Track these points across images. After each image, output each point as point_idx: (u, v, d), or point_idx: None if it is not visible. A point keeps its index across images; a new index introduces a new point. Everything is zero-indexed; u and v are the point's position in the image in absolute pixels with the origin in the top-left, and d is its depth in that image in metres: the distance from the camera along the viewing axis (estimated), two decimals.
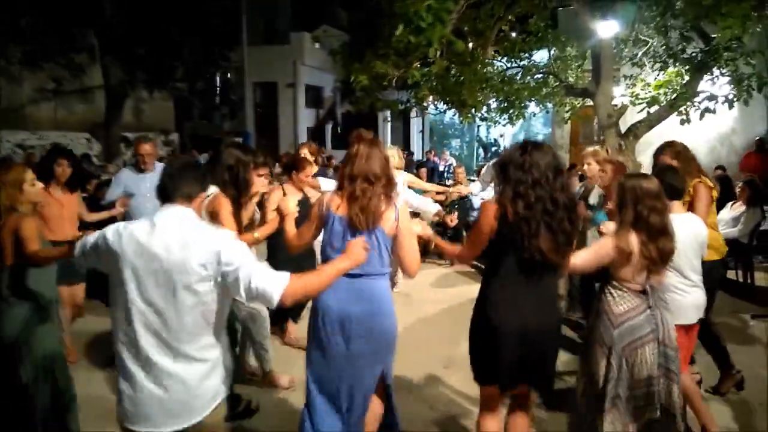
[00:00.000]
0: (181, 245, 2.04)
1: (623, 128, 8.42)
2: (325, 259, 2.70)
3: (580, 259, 2.79)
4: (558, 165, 2.64)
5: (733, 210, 6.77)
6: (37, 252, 3.00)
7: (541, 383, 2.83)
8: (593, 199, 4.93)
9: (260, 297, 2.02)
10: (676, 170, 3.36)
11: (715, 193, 3.89)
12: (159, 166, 5.28)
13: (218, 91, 19.52)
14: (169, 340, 2.08)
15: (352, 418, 2.73)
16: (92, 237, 2.25)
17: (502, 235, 2.60)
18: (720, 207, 7.06)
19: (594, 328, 2.83)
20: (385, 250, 2.70)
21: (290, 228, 2.96)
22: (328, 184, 5.07)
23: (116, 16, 12.95)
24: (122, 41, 13.32)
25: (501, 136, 23.24)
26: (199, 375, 2.13)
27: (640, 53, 8.76)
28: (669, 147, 4.10)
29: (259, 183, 3.67)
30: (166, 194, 2.18)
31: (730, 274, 6.94)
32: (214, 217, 3.12)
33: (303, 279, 2.10)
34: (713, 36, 7.67)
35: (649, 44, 8.65)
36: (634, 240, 2.69)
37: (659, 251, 2.69)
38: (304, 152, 5.53)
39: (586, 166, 5.01)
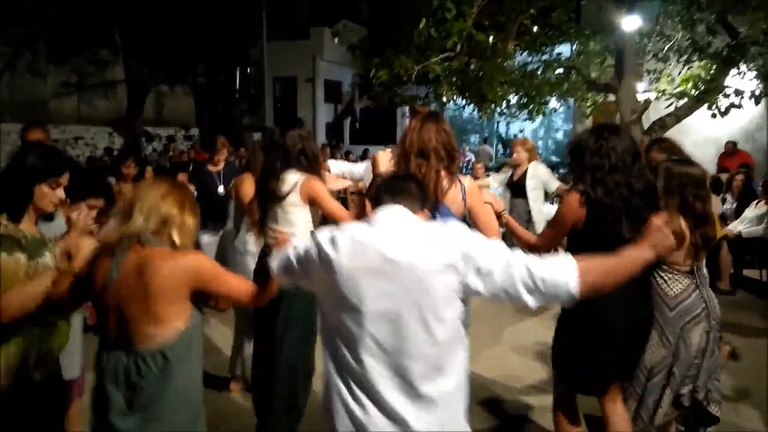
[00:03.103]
0: (416, 243, 1.63)
1: (645, 124, 8.31)
2: None
3: None
4: (636, 150, 2.54)
5: (757, 208, 6.68)
6: (257, 292, 2.05)
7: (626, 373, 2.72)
8: (532, 184, 5.57)
9: (551, 291, 1.58)
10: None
11: None
12: None
13: (238, 86, 19.63)
14: (408, 373, 1.61)
15: None
16: (295, 248, 1.85)
17: (590, 222, 2.50)
18: (744, 205, 6.97)
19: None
20: None
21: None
22: (337, 166, 5.12)
23: (138, 11, 13.08)
24: (144, 36, 13.46)
25: (521, 131, 23.07)
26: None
27: (665, 48, 8.62)
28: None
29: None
30: (388, 195, 1.79)
31: (754, 274, 6.84)
32: (314, 202, 2.99)
33: (598, 264, 1.65)
34: (740, 30, 7.53)
35: (675, 39, 8.51)
36: (683, 224, 2.70)
37: (703, 238, 2.73)
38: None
39: (515, 154, 5.74)
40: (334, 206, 2.96)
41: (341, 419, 1.65)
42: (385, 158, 2.85)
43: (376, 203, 1.80)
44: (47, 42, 12.67)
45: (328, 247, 1.67)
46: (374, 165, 2.92)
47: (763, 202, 6.63)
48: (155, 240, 1.84)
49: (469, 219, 2.57)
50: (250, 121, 19.05)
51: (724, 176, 8.09)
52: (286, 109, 19.65)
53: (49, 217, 2.41)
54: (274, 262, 1.92)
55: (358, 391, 1.64)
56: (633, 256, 1.71)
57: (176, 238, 1.87)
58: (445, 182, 2.47)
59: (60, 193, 2.17)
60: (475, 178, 9.16)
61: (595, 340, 2.55)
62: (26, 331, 2.05)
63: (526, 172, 5.67)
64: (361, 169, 5.67)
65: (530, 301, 1.60)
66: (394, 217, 1.71)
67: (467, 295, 1.64)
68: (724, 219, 7.06)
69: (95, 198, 2.80)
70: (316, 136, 18.90)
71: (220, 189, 5.11)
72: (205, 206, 4.73)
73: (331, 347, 1.71)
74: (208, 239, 4.73)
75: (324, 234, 1.72)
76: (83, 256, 2.08)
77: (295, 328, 2.98)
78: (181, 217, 1.90)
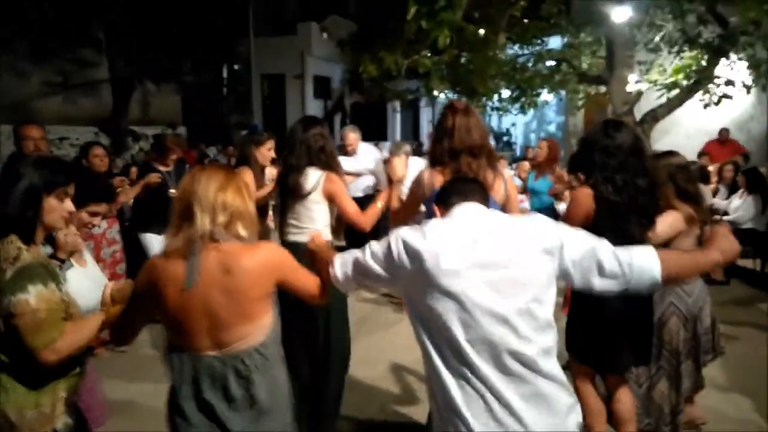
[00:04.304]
0: (511, 232, 1.65)
1: (638, 115, 8.28)
2: None
3: (657, 235, 2.79)
4: (640, 147, 2.61)
5: (741, 198, 6.73)
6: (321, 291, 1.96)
7: (644, 359, 2.82)
8: None
9: (637, 277, 1.65)
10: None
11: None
12: None
13: (225, 84, 19.41)
14: (525, 367, 1.60)
15: None
16: (367, 251, 1.79)
17: (599, 218, 2.54)
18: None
19: (662, 302, 2.98)
20: None
21: (395, 196, 2.87)
22: (348, 163, 5.10)
23: (123, 9, 12.91)
24: (128, 34, 13.28)
25: (513, 125, 23.03)
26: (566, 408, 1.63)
27: (656, 38, 8.59)
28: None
29: (261, 156, 3.97)
30: (458, 195, 1.79)
31: (747, 263, 6.83)
32: (332, 199, 3.02)
33: (674, 256, 1.75)
34: (730, 20, 7.52)
35: (665, 29, 8.48)
36: (689, 209, 2.88)
37: (705, 213, 2.94)
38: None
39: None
40: (351, 206, 3.01)
41: (473, 418, 1.57)
42: (402, 163, 2.94)
43: (444, 205, 1.80)
44: (29, 42, 12.47)
45: (420, 244, 1.64)
46: (391, 172, 2.94)
47: (746, 191, 6.69)
48: (227, 235, 1.72)
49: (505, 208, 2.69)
50: (238, 119, 18.87)
51: (712, 168, 8.07)
52: (275, 106, 19.50)
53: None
54: (338, 268, 1.87)
55: (476, 387, 1.58)
56: (704, 256, 1.76)
57: (242, 231, 1.75)
58: (490, 177, 2.55)
59: (69, 204, 1.90)
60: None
61: (612, 323, 2.63)
62: (69, 373, 1.89)
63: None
64: (367, 164, 5.60)
65: (615, 286, 1.66)
66: (475, 212, 1.73)
67: (560, 279, 1.67)
68: (715, 212, 7.08)
69: (97, 203, 2.61)
70: None
71: (173, 190, 4.80)
72: (155, 208, 4.48)
73: (435, 347, 1.64)
74: (158, 241, 4.53)
75: (409, 232, 1.69)
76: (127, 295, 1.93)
77: (336, 319, 3.04)
78: (244, 206, 1.77)
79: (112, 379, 3.99)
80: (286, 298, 1.96)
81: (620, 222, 2.52)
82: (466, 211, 1.73)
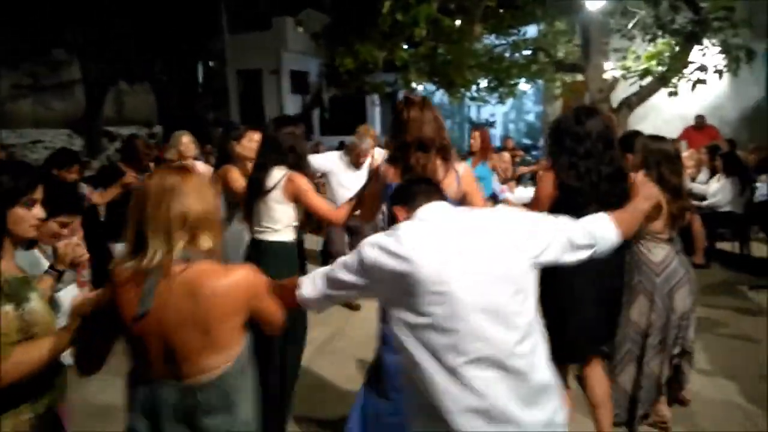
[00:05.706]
0: (484, 229, 1.66)
1: (614, 103, 8.33)
2: None
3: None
4: (609, 136, 2.65)
5: (719, 182, 6.81)
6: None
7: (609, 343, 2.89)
8: None
9: (603, 244, 1.81)
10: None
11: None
12: None
13: (200, 81, 19.18)
14: (521, 360, 1.58)
15: None
16: (343, 266, 1.73)
17: (562, 202, 2.60)
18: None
19: (631, 281, 3.00)
20: None
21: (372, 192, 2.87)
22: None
23: (94, 9, 12.66)
24: (99, 34, 13.04)
25: (492, 115, 23.05)
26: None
27: (629, 25, 8.64)
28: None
29: (243, 149, 3.74)
30: (422, 196, 1.80)
31: (726, 246, 6.92)
32: (298, 199, 2.96)
33: (620, 217, 1.89)
34: (702, 6, 7.58)
35: (638, 16, 8.53)
36: (661, 195, 2.87)
37: (680, 209, 2.93)
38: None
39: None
40: (319, 203, 2.97)
41: (465, 418, 1.54)
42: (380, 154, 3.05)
43: (407, 206, 1.80)
44: None
45: (399, 249, 1.61)
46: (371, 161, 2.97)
47: (723, 174, 6.76)
48: (189, 253, 1.53)
49: (464, 203, 2.67)
50: (215, 116, 18.66)
51: (687, 153, 8.14)
52: (251, 103, 19.30)
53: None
54: (307, 287, 1.80)
55: (471, 387, 1.55)
56: (637, 209, 2.06)
57: (208, 242, 1.56)
58: (440, 171, 2.51)
59: (37, 211, 1.73)
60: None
61: (566, 313, 2.64)
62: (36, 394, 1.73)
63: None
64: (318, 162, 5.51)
65: (584, 255, 1.78)
66: (443, 211, 1.74)
67: (538, 266, 1.71)
68: (694, 196, 7.16)
69: (68, 214, 2.50)
70: None
71: None
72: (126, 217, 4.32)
73: (424, 351, 1.58)
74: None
75: (382, 238, 1.67)
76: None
77: (295, 340, 3.03)
78: (206, 210, 1.57)
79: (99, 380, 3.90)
80: None
81: (577, 208, 2.47)
82: (434, 210, 1.73)
